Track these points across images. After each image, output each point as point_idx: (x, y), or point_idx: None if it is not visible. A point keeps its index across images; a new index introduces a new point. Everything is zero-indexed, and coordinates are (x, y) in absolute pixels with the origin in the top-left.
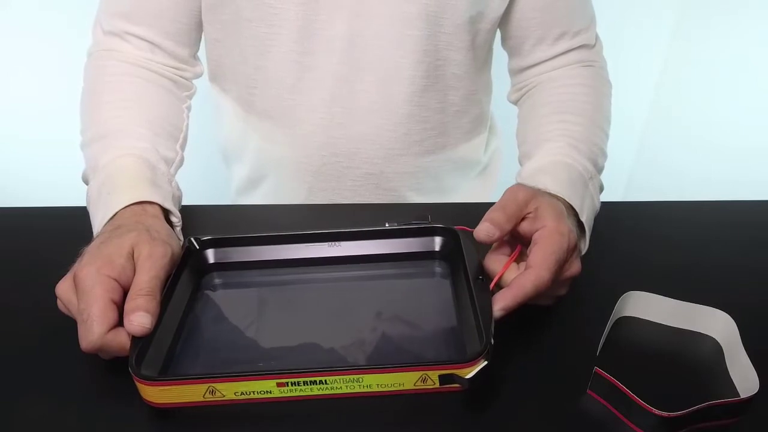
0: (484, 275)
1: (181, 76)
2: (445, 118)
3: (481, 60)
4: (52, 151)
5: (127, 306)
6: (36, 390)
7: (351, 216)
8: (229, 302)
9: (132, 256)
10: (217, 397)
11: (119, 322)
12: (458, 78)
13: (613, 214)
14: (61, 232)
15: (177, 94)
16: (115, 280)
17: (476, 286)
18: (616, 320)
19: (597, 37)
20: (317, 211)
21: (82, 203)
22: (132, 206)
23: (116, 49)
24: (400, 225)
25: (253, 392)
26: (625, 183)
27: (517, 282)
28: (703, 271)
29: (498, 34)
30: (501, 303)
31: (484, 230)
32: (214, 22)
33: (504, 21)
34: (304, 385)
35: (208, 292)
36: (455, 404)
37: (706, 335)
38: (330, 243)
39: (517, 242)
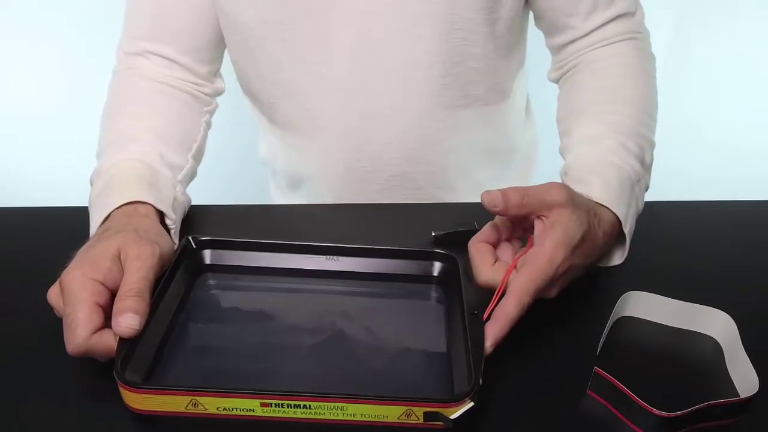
0: (479, 309)
1: (200, 92)
2: (466, 112)
3: (506, 48)
4: (52, 152)
5: (116, 307)
6: (36, 390)
7: (381, 217)
8: (222, 306)
9: (118, 257)
10: (199, 410)
11: (106, 325)
12: (478, 71)
13: None
14: (61, 232)
15: (194, 107)
16: (101, 283)
17: (470, 321)
18: (616, 320)
19: (638, 4)
20: (355, 211)
21: (81, 203)
22: (125, 206)
23: (136, 67)
24: (446, 232)
25: (236, 409)
26: None
27: (501, 313)
28: (703, 271)
29: (531, 15)
30: (491, 338)
31: (490, 198)
32: (230, 44)
33: (531, 1)
34: (287, 407)
35: (201, 293)
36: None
37: (706, 335)
38: (328, 256)
39: (510, 236)
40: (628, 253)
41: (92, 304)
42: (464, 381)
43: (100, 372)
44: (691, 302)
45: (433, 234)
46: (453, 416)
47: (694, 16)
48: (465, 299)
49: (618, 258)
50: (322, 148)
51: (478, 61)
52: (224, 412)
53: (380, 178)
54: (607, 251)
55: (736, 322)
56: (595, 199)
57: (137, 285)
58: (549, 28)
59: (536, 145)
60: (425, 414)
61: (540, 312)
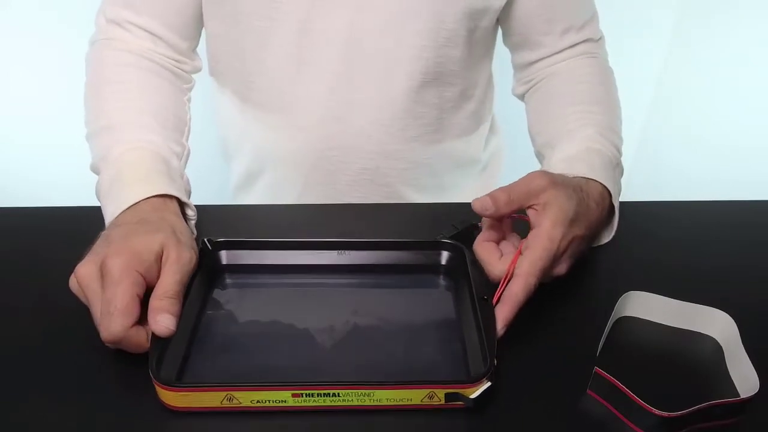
0: (488, 294)
1: (181, 69)
2: (441, 114)
3: (478, 56)
4: (52, 152)
5: (153, 305)
6: (36, 390)
7: (353, 216)
8: (241, 304)
9: (160, 256)
10: (234, 404)
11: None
12: (455, 74)
13: None
14: (61, 232)
15: (178, 85)
16: (142, 275)
17: (480, 306)
18: (616, 320)
19: (600, 31)
20: (321, 211)
21: (82, 203)
22: (151, 199)
23: (117, 38)
24: (451, 234)
25: (269, 401)
26: (625, 182)
27: (509, 296)
28: (703, 271)
29: (500, 31)
30: (501, 321)
31: (480, 203)
32: (214, 17)
33: (507, 18)
34: (318, 396)
35: (220, 293)
36: (457, 411)
37: (706, 335)
38: (339, 251)
39: (506, 233)
40: (629, 253)
41: (133, 295)
42: (479, 362)
43: (101, 372)
44: (691, 302)
45: (441, 235)
46: (473, 396)
47: (694, 16)
48: (473, 286)
49: (606, 236)
50: (297, 133)
51: (456, 64)
52: (258, 405)
53: (351, 170)
54: (600, 228)
55: (736, 322)
56: (582, 175)
57: (173, 288)
58: (520, 45)
59: (501, 155)
60: (446, 395)
61: (540, 312)
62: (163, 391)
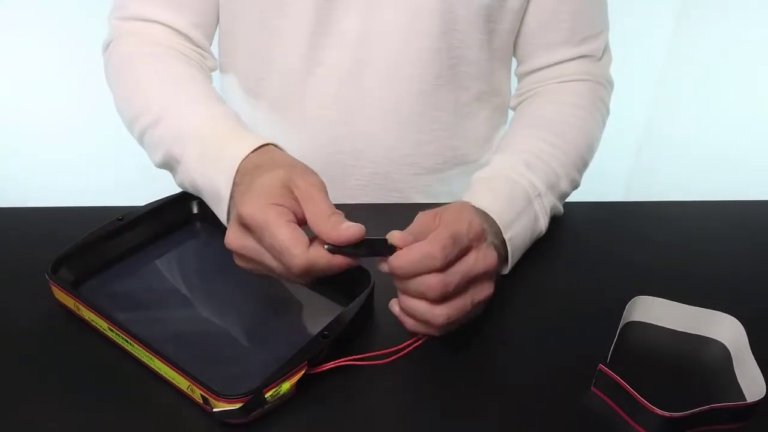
0: (332, 331)
1: (204, 63)
2: (456, 119)
3: (500, 60)
4: (53, 152)
5: (321, 232)
6: (36, 390)
7: (364, 217)
8: (190, 254)
9: (289, 187)
10: (82, 313)
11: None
12: (471, 77)
13: (617, 215)
14: (61, 232)
15: (206, 73)
16: (282, 205)
17: (315, 338)
18: (625, 325)
19: (606, 51)
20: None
21: (80, 204)
22: (250, 155)
23: (139, 33)
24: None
25: (98, 325)
26: (625, 184)
27: (406, 248)
28: (712, 276)
29: None
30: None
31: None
32: (226, 13)
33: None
34: (121, 339)
35: (181, 234)
36: (460, 401)
37: (715, 340)
38: None
39: None
40: (636, 257)
41: (287, 222)
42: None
43: (100, 372)
44: (699, 306)
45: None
46: (216, 409)
47: (694, 15)
48: (338, 319)
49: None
50: (305, 135)
51: (472, 67)
52: (92, 323)
53: (360, 174)
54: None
55: (744, 327)
56: (475, 204)
57: (323, 209)
58: (516, 54)
59: None
60: (202, 396)
61: (548, 317)
62: (51, 286)
